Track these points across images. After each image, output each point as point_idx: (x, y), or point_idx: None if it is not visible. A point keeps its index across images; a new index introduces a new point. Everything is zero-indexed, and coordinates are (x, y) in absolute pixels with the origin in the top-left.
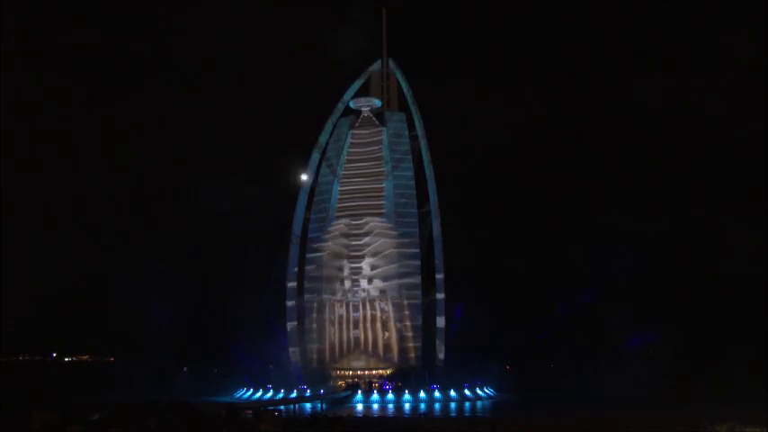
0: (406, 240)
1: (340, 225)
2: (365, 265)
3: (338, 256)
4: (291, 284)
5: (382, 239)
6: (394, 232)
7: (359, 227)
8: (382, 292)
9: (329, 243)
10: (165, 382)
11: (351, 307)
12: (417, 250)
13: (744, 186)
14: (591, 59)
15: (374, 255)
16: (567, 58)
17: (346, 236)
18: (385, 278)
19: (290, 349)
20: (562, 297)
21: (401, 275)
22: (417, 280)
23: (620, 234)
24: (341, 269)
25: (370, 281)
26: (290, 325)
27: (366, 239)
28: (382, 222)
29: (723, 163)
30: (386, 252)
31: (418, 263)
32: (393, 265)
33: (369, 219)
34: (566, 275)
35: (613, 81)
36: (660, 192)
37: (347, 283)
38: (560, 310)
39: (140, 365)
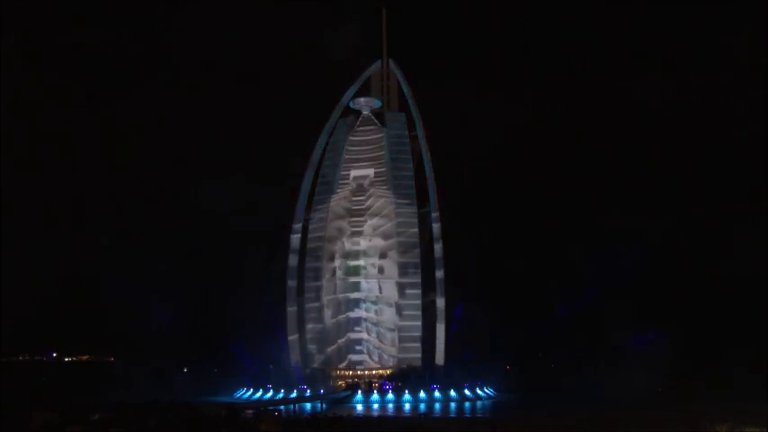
0: (406, 240)
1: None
2: (365, 262)
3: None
4: (291, 283)
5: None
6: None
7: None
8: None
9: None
10: (165, 382)
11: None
12: (417, 250)
13: (744, 186)
14: (591, 59)
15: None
16: (567, 58)
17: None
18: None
19: (290, 347)
20: (562, 297)
21: (401, 276)
22: (417, 280)
23: (620, 234)
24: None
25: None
26: (290, 325)
27: (366, 243)
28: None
29: (723, 163)
30: (388, 250)
31: (418, 262)
32: (393, 264)
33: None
34: (566, 275)
35: (613, 81)
36: (660, 192)
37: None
38: (560, 310)
39: (140, 365)
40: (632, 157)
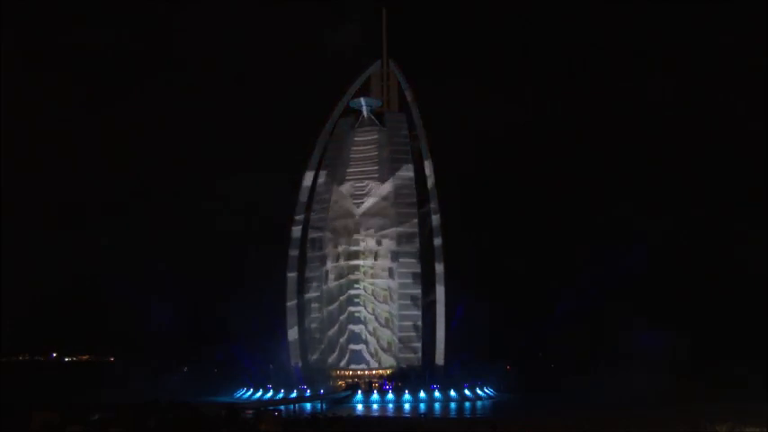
0: (406, 240)
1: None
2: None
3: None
4: (291, 286)
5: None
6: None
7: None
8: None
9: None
10: (165, 382)
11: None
12: (417, 250)
13: (744, 186)
14: (591, 59)
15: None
16: (567, 58)
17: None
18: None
19: (290, 347)
20: (562, 297)
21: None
22: (417, 280)
23: (620, 234)
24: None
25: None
26: (291, 325)
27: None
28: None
29: (723, 163)
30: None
31: (418, 262)
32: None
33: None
34: (566, 275)
35: (613, 81)
36: (660, 192)
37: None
38: (560, 310)
39: (140, 365)
40: (632, 157)
